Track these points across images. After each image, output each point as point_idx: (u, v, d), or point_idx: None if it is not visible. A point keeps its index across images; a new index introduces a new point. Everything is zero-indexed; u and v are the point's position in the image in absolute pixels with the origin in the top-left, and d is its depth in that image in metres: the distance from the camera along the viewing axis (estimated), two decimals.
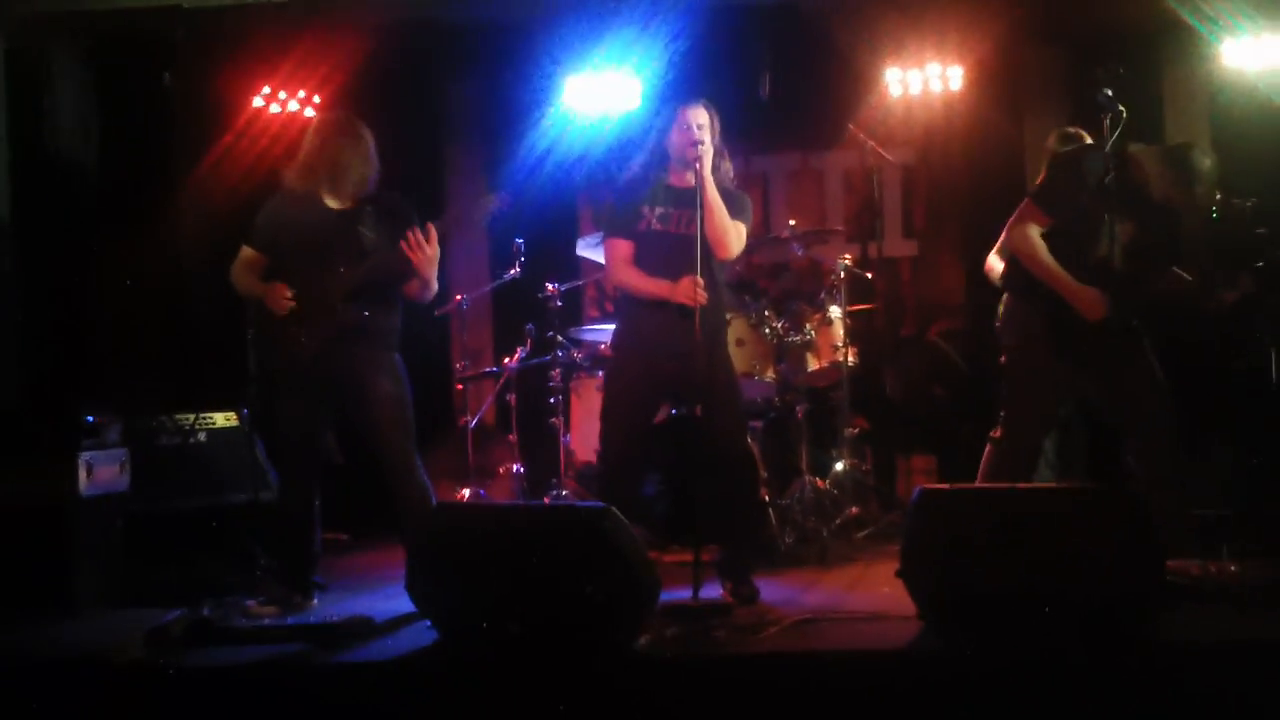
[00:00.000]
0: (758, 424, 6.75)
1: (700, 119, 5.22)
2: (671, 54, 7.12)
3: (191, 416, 6.15)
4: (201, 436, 6.13)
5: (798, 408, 6.78)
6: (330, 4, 6.84)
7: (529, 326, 7.06)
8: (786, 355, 6.76)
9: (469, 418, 7.18)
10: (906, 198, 8.42)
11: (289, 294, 5.23)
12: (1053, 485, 6.01)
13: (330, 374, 5.27)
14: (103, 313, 6.96)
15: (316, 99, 7.63)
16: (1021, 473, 5.28)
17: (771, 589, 5.36)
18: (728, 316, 6.25)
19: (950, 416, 7.28)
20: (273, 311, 5.26)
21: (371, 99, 7.36)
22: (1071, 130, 5.83)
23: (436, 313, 6.97)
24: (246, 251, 5.40)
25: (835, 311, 6.76)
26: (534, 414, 7.18)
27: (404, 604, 4.80)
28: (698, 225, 5.06)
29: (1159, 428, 5.21)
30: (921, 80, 7.78)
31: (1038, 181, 5.38)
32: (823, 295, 6.93)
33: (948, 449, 7.49)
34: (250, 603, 5.27)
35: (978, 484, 5.36)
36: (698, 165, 5.09)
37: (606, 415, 5.37)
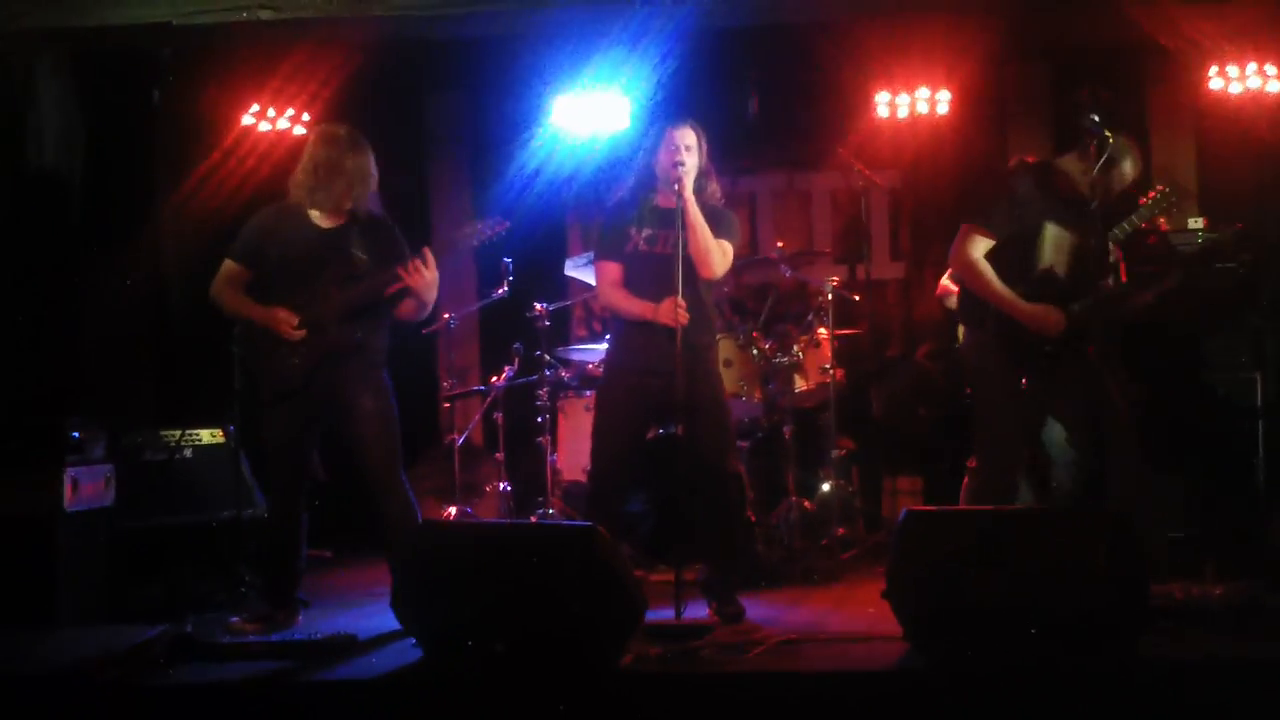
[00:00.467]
0: (745, 444, 6.76)
1: (688, 140, 5.23)
2: (660, 74, 7.13)
3: (177, 432, 6.14)
4: (187, 453, 6.12)
5: (785, 428, 6.79)
6: (319, 22, 6.82)
7: (516, 345, 7.06)
8: (774, 376, 6.78)
9: (456, 436, 7.16)
10: (894, 220, 8.44)
11: (295, 321, 5.22)
12: (1036, 507, 6.01)
13: (319, 392, 5.26)
14: (89, 328, 6.94)
15: (305, 116, 7.63)
16: (1000, 500, 5.28)
17: (757, 608, 5.36)
18: (716, 337, 6.27)
19: (936, 438, 7.29)
20: (261, 329, 5.25)
21: (359, 116, 7.30)
22: (1027, 159, 5.89)
23: (424, 331, 6.96)
24: (229, 266, 5.36)
25: (822, 333, 6.77)
26: (521, 433, 7.17)
27: (388, 621, 4.79)
28: (679, 245, 5.08)
29: (1123, 447, 5.23)
30: (909, 103, 7.81)
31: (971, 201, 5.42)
32: (810, 317, 6.95)
33: (934, 470, 7.50)
34: (234, 619, 5.25)
35: (963, 506, 5.37)
36: (678, 185, 5.11)
37: (596, 434, 5.38)
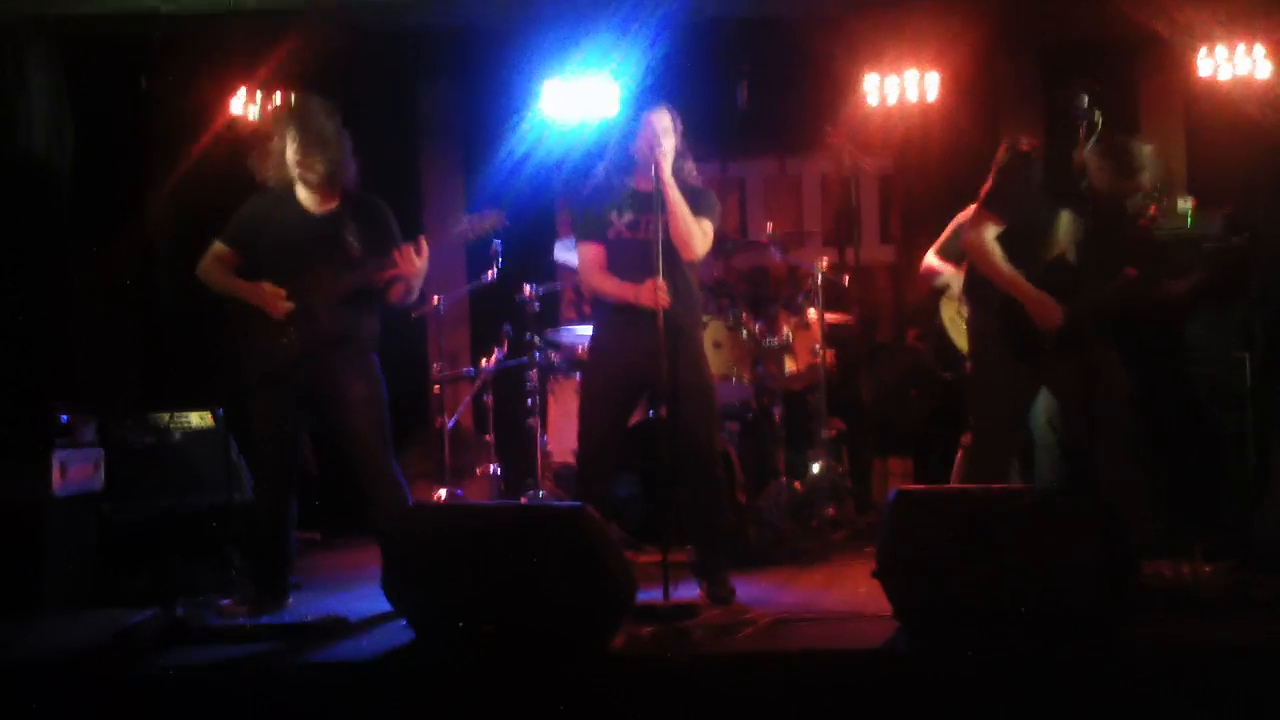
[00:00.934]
0: (735, 426, 6.77)
1: (664, 123, 5.23)
2: (650, 60, 7.13)
3: (166, 416, 6.13)
4: (176, 436, 6.11)
5: (774, 410, 6.80)
6: (307, 10, 6.82)
7: (506, 328, 7.07)
8: (764, 358, 6.78)
9: (446, 419, 7.17)
10: (883, 204, 8.45)
11: (284, 294, 5.21)
12: (1027, 488, 6.03)
13: (309, 377, 5.25)
14: (78, 313, 6.93)
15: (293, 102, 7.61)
16: (992, 479, 5.30)
17: (748, 589, 5.36)
18: (705, 319, 6.28)
19: (926, 420, 7.31)
20: (251, 312, 5.24)
21: (349, 103, 7.33)
22: (1021, 141, 5.89)
23: (414, 315, 6.97)
24: (219, 247, 5.35)
25: (812, 315, 6.78)
26: (511, 415, 7.18)
27: (379, 603, 4.79)
28: (658, 228, 5.08)
29: (1120, 431, 5.24)
30: (899, 88, 7.81)
31: (986, 187, 5.42)
32: (800, 299, 6.95)
33: (923, 452, 7.53)
34: (224, 602, 5.25)
35: (952, 486, 5.39)
36: (656, 169, 5.11)
37: (582, 417, 5.40)
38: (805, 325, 6.82)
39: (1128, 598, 4.29)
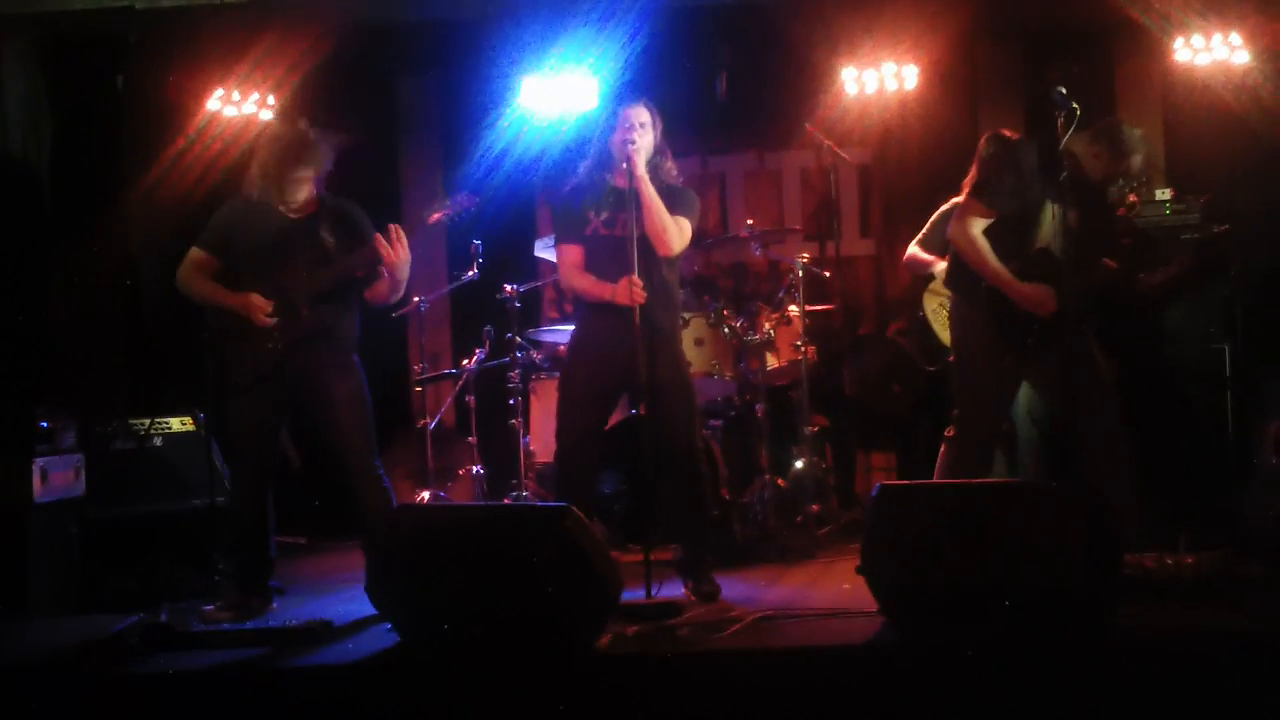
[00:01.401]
0: (718, 423, 6.77)
1: (641, 118, 5.23)
2: (629, 54, 7.11)
3: (147, 421, 6.10)
4: (157, 441, 6.09)
5: (757, 406, 6.80)
6: (285, 5, 6.78)
7: (487, 328, 7.04)
8: (746, 354, 6.78)
9: (428, 420, 7.15)
10: (863, 197, 8.45)
11: (269, 308, 5.19)
12: (1010, 480, 6.05)
13: (291, 377, 5.25)
14: (56, 316, 6.89)
15: (271, 100, 7.58)
16: (976, 470, 5.31)
17: (733, 587, 5.37)
18: (686, 316, 6.28)
19: (909, 413, 7.32)
20: (231, 316, 5.23)
21: (327, 97, 7.33)
22: (1004, 133, 5.89)
23: (394, 314, 6.95)
24: (196, 254, 5.35)
25: (794, 310, 6.78)
26: (493, 415, 7.16)
27: (364, 607, 4.79)
28: (633, 224, 5.07)
29: (1105, 422, 5.25)
30: (877, 79, 7.79)
31: (973, 177, 5.42)
32: (781, 294, 6.95)
33: (907, 446, 7.54)
34: (208, 607, 5.24)
35: (936, 480, 5.39)
36: (629, 163, 5.09)
37: (560, 415, 5.39)
38: (787, 321, 6.81)
39: (1113, 584, 4.30)
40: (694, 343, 6.43)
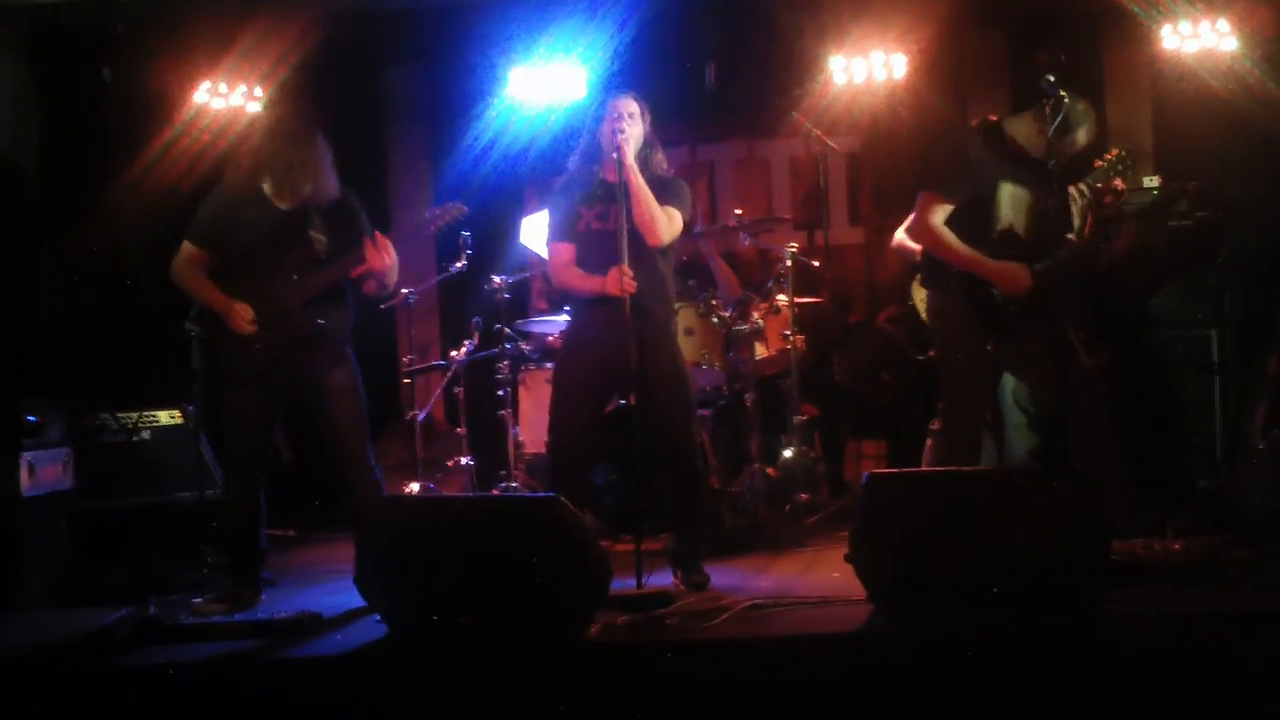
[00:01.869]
0: (707, 412, 6.76)
1: (629, 109, 5.23)
2: (617, 44, 7.10)
3: (135, 414, 6.09)
4: (146, 434, 6.08)
5: (747, 396, 6.79)
6: None
7: (476, 319, 7.03)
8: (735, 344, 6.78)
9: (417, 412, 7.14)
10: (852, 185, 8.44)
11: (250, 317, 5.18)
12: (999, 468, 6.06)
13: (286, 372, 5.23)
14: (44, 309, 6.88)
15: (259, 91, 7.56)
16: (965, 460, 5.32)
17: (722, 575, 5.37)
18: (676, 306, 6.27)
19: (898, 402, 7.32)
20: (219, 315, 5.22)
21: (314, 87, 7.31)
22: (991, 119, 5.89)
23: (382, 306, 6.93)
24: (189, 248, 5.32)
25: (783, 299, 6.78)
26: (482, 407, 7.15)
27: (353, 599, 4.78)
28: (623, 215, 5.07)
29: (1090, 408, 5.26)
30: (866, 68, 7.79)
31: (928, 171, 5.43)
32: (770, 284, 6.95)
33: (896, 434, 7.54)
34: (197, 600, 5.22)
35: (924, 468, 5.40)
36: (617, 154, 5.09)
37: (554, 408, 5.39)
38: (776, 310, 6.81)
39: (1102, 570, 4.31)
40: (683, 332, 6.43)
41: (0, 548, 5.40)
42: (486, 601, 4.39)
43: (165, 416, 6.16)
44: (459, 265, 6.83)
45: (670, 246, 5.36)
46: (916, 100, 7.93)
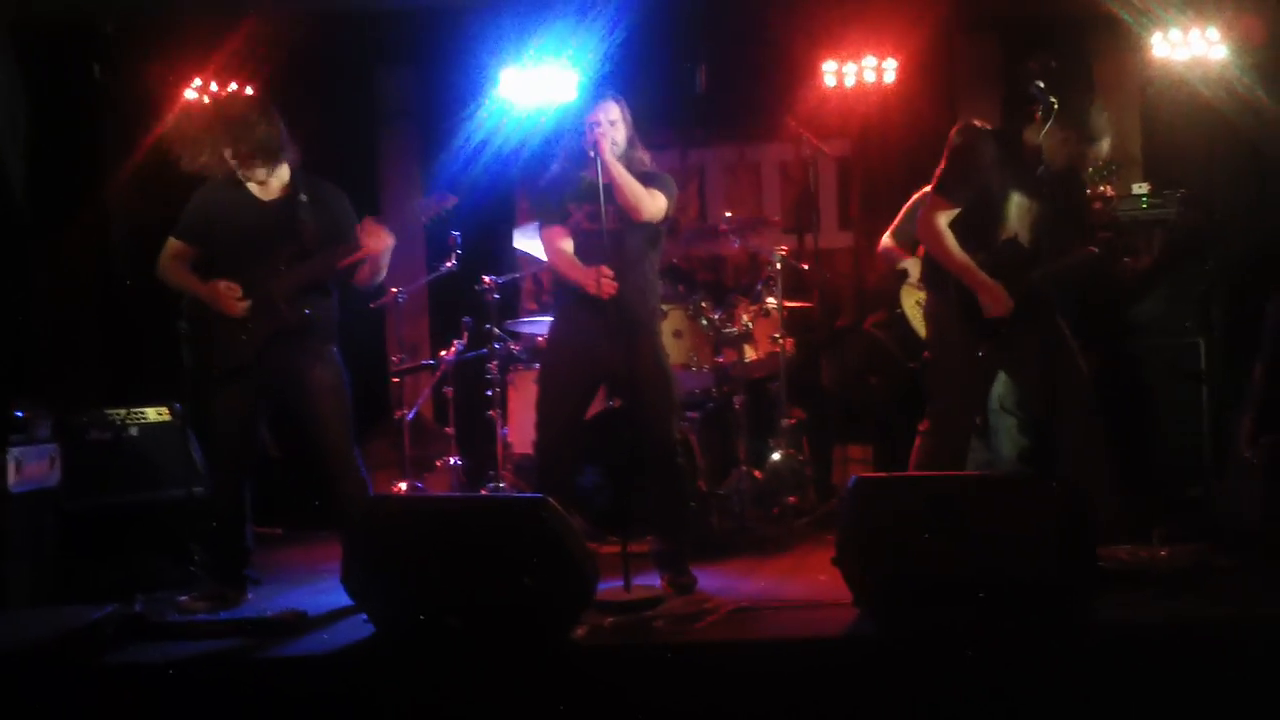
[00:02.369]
0: (695, 415, 6.77)
1: (611, 115, 5.24)
2: (608, 46, 7.10)
3: (123, 411, 6.07)
4: (133, 431, 6.05)
5: (735, 398, 6.80)
6: None
7: (466, 319, 7.04)
8: (724, 346, 6.78)
9: (406, 411, 7.14)
10: (842, 189, 8.44)
11: (238, 294, 5.17)
12: (985, 472, 6.06)
13: (269, 368, 5.23)
14: (33, 306, 6.86)
15: (249, 90, 7.56)
16: (951, 463, 5.32)
17: (709, 578, 5.37)
18: (665, 309, 6.29)
19: (886, 406, 7.32)
20: (209, 306, 5.21)
21: (305, 87, 7.31)
22: (975, 123, 5.90)
23: (372, 305, 6.94)
24: (174, 244, 5.33)
25: (771, 302, 6.79)
26: (471, 407, 7.15)
27: (339, 598, 4.77)
28: (601, 214, 5.07)
29: (1081, 414, 5.27)
30: (857, 72, 7.81)
31: (938, 171, 5.43)
32: (759, 287, 6.96)
33: (883, 438, 7.54)
34: (183, 598, 5.22)
35: (912, 471, 5.40)
36: (594, 151, 5.10)
37: (539, 407, 5.40)
38: (765, 313, 6.82)
39: (1088, 575, 4.32)
40: (672, 334, 6.44)
41: None
42: (473, 602, 4.39)
43: (153, 413, 6.14)
44: (449, 265, 6.83)
45: (656, 244, 5.37)
46: (908, 105, 7.95)
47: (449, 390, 7.10)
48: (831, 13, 7.58)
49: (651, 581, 5.21)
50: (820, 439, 7.56)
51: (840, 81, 7.83)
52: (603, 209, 5.09)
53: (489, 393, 6.90)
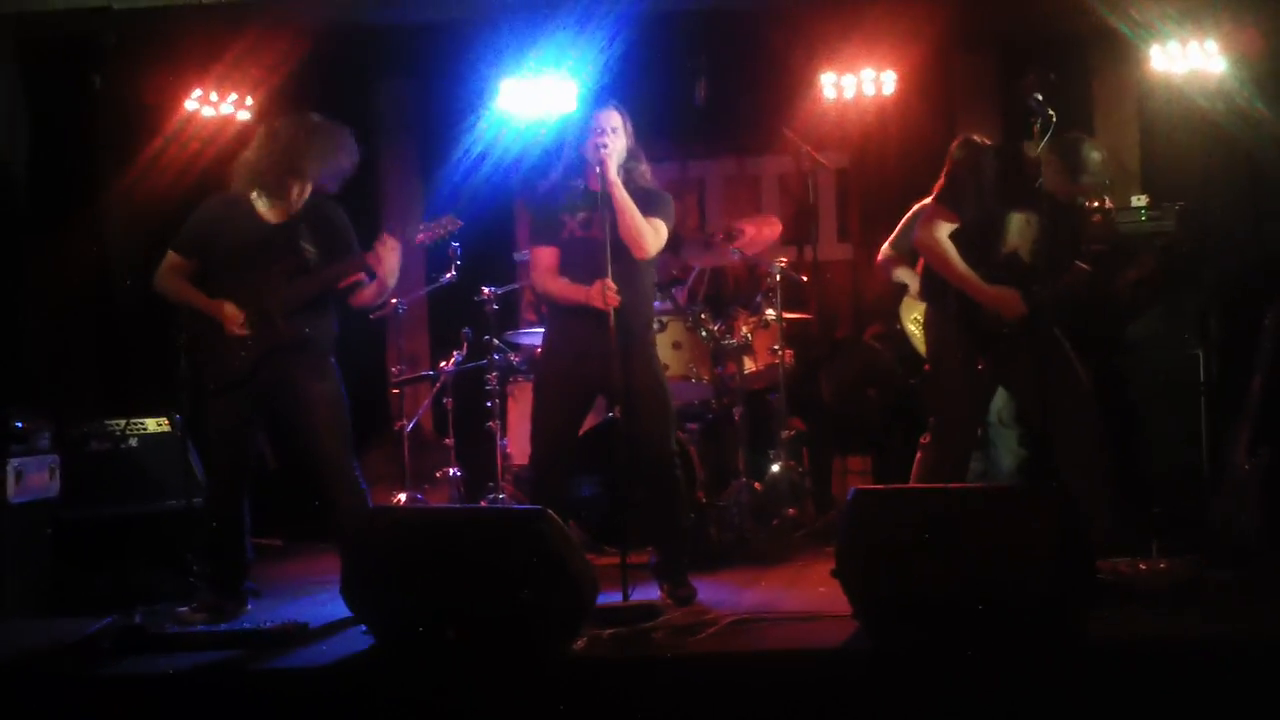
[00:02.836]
0: (695, 426, 6.78)
1: (612, 123, 5.23)
2: (607, 58, 7.11)
3: (123, 422, 6.08)
4: (133, 442, 6.06)
5: (734, 410, 6.80)
6: (263, 6, 6.76)
7: (465, 330, 7.04)
8: (723, 358, 6.79)
9: (405, 422, 7.14)
10: (841, 202, 8.46)
11: (241, 319, 5.18)
12: (984, 485, 6.07)
13: (266, 380, 5.24)
14: (32, 317, 6.87)
15: (249, 101, 7.57)
16: (952, 476, 5.33)
17: (709, 590, 5.37)
18: (664, 320, 6.29)
19: (885, 418, 7.33)
20: (205, 319, 5.21)
21: (304, 100, 7.28)
22: (975, 138, 5.91)
23: (372, 316, 6.94)
24: (173, 258, 5.33)
25: (771, 314, 6.80)
26: (471, 418, 7.15)
27: (339, 609, 4.77)
28: (606, 227, 5.07)
29: (1082, 427, 5.28)
30: (856, 85, 7.83)
31: (940, 184, 5.44)
32: (758, 298, 6.97)
33: (882, 451, 7.55)
34: (182, 609, 5.22)
35: (911, 485, 5.41)
36: (601, 168, 5.10)
37: (534, 419, 5.39)
38: (764, 325, 6.83)
39: (1086, 589, 4.32)
40: (671, 346, 6.44)
41: None
42: (472, 613, 4.38)
43: (153, 424, 6.15)
44: (448, 276, 6.83)
45: (654, 259, 5.37)
46: (906, 118, 7.96)
47: (448, 401, 7.10)
48: (830, 26, 7.59)
49: (650, 593, 5.22)
50: (820, 451, 7.57)
51: (839, 94, 7.84)
52: (603, 217, 5.09)
53: (488, 404, 6.90)
